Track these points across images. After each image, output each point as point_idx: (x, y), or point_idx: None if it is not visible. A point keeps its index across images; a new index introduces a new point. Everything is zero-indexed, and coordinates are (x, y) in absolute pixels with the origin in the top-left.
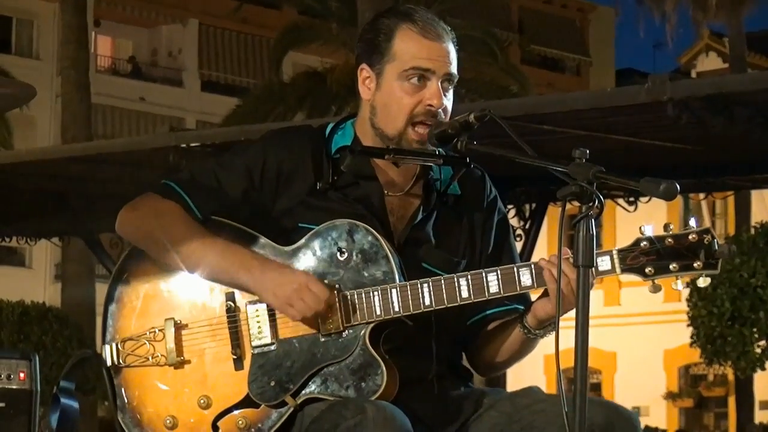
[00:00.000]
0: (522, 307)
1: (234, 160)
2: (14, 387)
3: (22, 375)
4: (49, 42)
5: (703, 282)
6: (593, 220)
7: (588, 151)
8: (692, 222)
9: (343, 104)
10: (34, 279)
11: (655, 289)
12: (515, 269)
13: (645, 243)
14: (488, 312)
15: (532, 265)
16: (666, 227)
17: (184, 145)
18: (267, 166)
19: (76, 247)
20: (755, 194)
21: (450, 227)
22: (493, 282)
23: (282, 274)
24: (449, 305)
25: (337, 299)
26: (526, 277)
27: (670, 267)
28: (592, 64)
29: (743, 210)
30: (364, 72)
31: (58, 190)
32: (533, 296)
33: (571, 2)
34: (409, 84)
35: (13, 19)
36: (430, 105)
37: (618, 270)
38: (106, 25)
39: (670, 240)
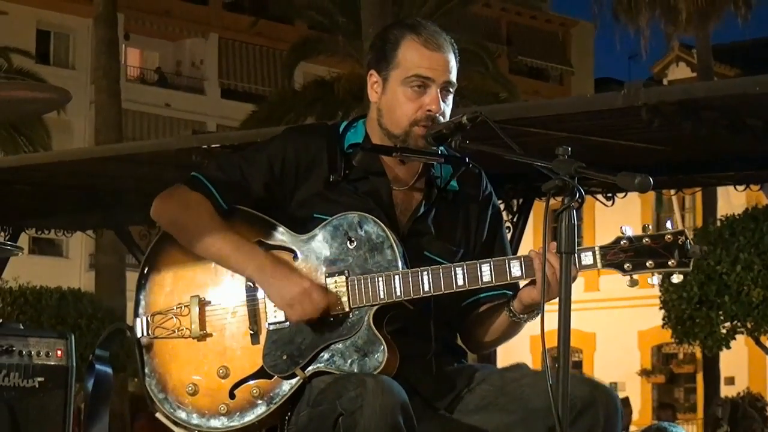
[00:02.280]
0: (510, 292)
1: (257, 154)
2: (52, 363)
3: (59, 352)
4: (83, 54)
5: (676, 279)
6: (575, 211)
7: (570, 149)
8: (668, 224)
9: (348, 110)
10: (70, 267)
11: (633, 283)
12: (506, 261)
13: (625, 241)
14: (481, 296)
15: (522, 258)
16: (644, 228)
17: (205, 146)
18: (287, 160)
19: (108, 239)
20: (721, 190)
21: (449, 220)
22: (486, 272)
23: (289, 277)
24: (446, 291)
25: (342, 292)
26: (516, 269)
27: (647, 264)
28: (573, 73)
29: (710, 204)
30: (373, 77)
31: (92, 187)
32: (520, 283)
33: (554, 17)
34: (411, 90)
35: (51, 33)
36: (429, 110)
37: (599, 265)
38: (135, 39)
39: (647, 239)
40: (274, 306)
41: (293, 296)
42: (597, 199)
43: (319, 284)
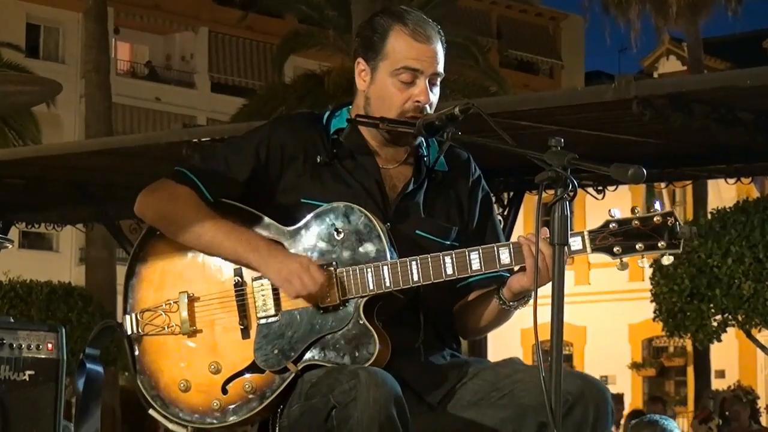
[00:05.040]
0: (507, 275)
1: (242, 143)
2: (43, 356)
3: (50, 346)
4: (73, 48)
5: (666, 260)
6: (567, 202)
7: (563, 140)
8: (657, 205)
9: (338, 103)
10: (60, 261)
11: (623, 266)
12: (495, 248)
13: (613, 225)
14: (471, 280)
15: (511, 245)
16: (633, 210)
17: (195, 140)
18: (272, 145)
19: (98, 233)
20: (711, 183)
21: (439, 198)
22: (475, 260)
23: (286, 255)
24: (435, 281)
25: (333, 278)
26: (505, 256)
27: (636, 247)
28: (563, 67)
29: (700, 197)
30: (360, 65)
31: (82, 181)
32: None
33: (544, 11)
34: (399, 81)
35: (41, 27)
36: (418, 101)
37: (589, 249)
38: (125, 33)
39: (636, 222)
40: (266, 300)
41: (291, 271)
42: (587, 192)
43: (315, 254)
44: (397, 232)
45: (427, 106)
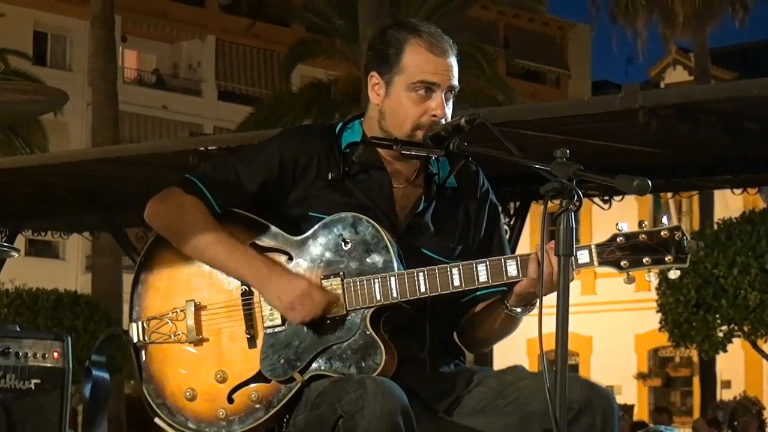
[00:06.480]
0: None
1: (254, 154)
2: (48, 365)
3: (55, 354)
4: (81, 55)
5: (673, 274)
6: (573, 213)
7: (568, 151)
8: (664, 219)
9: (345, 112)
10: (67, 269)
11: (630, 280)
12: (503, 261)
13: (621, 238)
14: (477, 294)
15: (518, 257)
16: (640, 224)
17: (202, 149)
18: (284, 160)
19: (105, 241)
20: (717, 194)
21: (447, 216)
22: (482, 272)
23: (287, 279)
24: (442, 292)
25: (339, 289)
26: (512, 268)
27: (644, 261)
28: (570, 76)
29: (707, 208)
30: (374, 79)
31: (89, 189)
32: None
33: (551, 20)
34: (416, 95)
35: (49, 35)
36: (435, 115)
37: (596, 263)
38: (133, 41)
39: (643, 236)
40: (273, 309)
41: (293, 299)
42: (594, 202)
43: (317, 283)
44: (404, 251)
45: (443, 120)
